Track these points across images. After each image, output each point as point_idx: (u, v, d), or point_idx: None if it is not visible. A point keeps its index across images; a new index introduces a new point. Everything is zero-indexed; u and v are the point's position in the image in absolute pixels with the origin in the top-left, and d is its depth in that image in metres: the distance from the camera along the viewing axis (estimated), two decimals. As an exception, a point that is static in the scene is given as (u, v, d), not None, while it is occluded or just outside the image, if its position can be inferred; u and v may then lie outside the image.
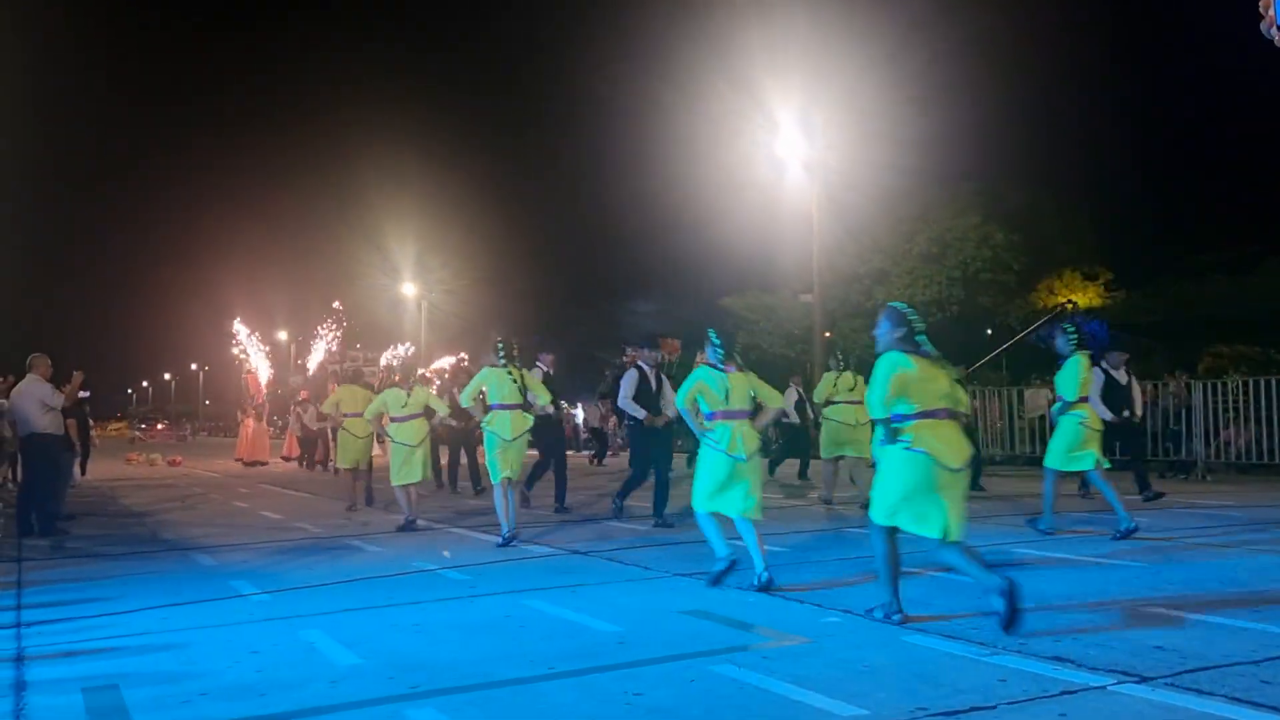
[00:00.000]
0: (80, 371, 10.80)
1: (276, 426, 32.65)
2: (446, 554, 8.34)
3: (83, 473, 17.83)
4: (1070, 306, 25.81)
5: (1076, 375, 8.46)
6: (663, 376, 10.08)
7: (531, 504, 11.56)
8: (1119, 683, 4.13)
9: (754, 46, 22.69)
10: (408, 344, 40.70)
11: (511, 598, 6.34)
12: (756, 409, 6.74)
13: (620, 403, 9.93)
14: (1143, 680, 4.14)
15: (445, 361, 40.06)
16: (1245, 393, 14.51)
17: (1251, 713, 3.73)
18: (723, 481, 6.44)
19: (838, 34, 22.77)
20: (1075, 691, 4.03)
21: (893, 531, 5.26)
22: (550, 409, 10.83)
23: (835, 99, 21.17)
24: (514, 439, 8.81)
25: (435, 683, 4.46)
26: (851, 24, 23.55)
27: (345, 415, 12.58)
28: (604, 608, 5.94)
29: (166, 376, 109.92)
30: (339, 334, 45.95)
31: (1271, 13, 4.18)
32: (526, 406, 9.11)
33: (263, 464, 24.23)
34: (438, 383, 17.03)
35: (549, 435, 11.74)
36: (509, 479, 8.79)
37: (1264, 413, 14.12)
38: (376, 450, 14.87)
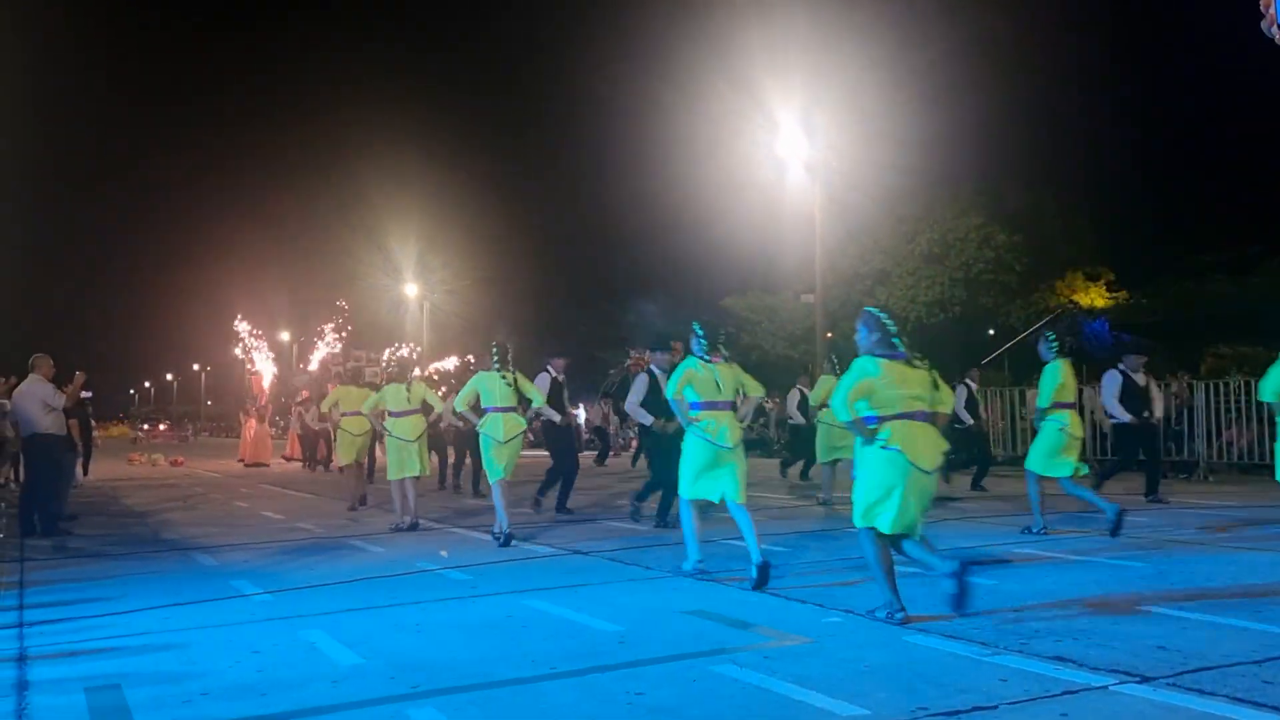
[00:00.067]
0: (82, 372, 10.82)
1: (278, 427, 32.66)
2: (444, 554, 8.35)
3: (85, 473, 17.87)
4: (1070, 307, 25.81)
5: (1051, 381, 8.59)
6: None
7: (542, 507, 11.46)
8: (1120, 683, 4.12)
9: (755, 46, 22.71)
10: (411, 345, 40.67)
11: (513, 598, 6.34)
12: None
13: (628, 407, 9.86)
14: (1144, 680, 4.14)
15: (450, 362, 40.09)
16: (1247, 393, 14.48)
17: (1253, 713, 3.72)
18: (706, 468, 6.71)
19: (839, 34, 22.80)
20: (1076, 691, 4.03)
21: (879, 532, 5.31)
22: (556, 415, 10.82)
23: (837, 99, 21.19)
24: (507, 441, 8.97)
25: (436, 682, 4.47)
26: (853, 24, 23.58)
27: (343, 414, 12.69)
28: (605, 608, 5.94)
29: (169, 377, 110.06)
30: (344, 335, 45.87)
31: (1272, 11, 4.18)
32: (521, 409, 9.27)
33: (264, 465, 24.26)
34: (443, 389, 17.00)
35: (561, 440, 11.72)
36: (505, 480, 8.96)
37: (1266, 413, 14.09)
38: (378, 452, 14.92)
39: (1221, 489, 12.79)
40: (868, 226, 26.55)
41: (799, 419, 15.36)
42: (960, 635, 4.95)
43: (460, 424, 12.49)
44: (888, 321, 5.41)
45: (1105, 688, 4.07)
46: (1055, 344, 8.76)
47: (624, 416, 25.26)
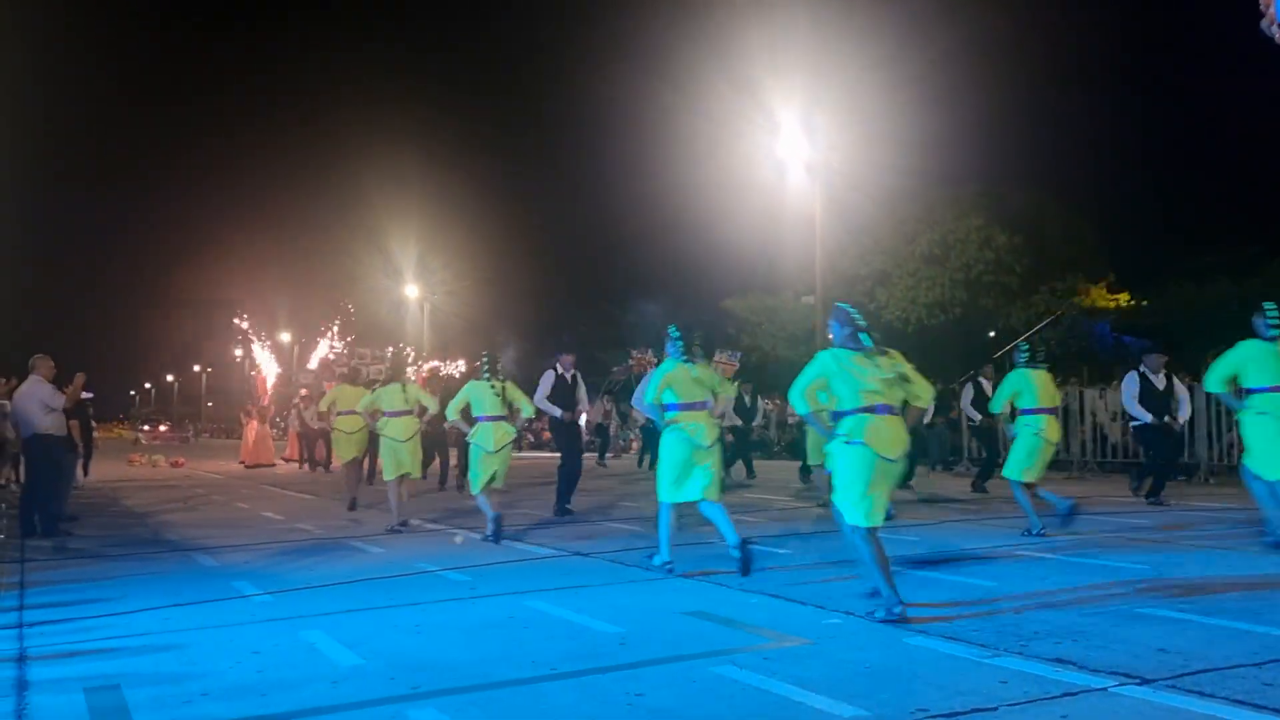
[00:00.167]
0: (82, 373, 10.82)
1: (279, 428, 32.66)
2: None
3: (85, 474, 17.84)
4: (1071, 308, 25.78)
5: (1008, 387, 8.87)
6: None
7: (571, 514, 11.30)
8: (1120, 684, 4.12)
9: (756, 47, 22.74)
10: (410, 349, 40.65)
11: (513, 599, 6.34)
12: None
13: (635, 401, 9.92)
14: (1144, 682, 4.14)
15: (456, 367, 40.02)
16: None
17: (1254, 715, 3.72)
18: (685, 468, 6.93)
19: (840, 35, 22.81)
20: (1076, 693, 4.03)
21: (871, 530, 5.36)
22: (556, 410, 10.84)
23: (838, 100, 21.17)
24: (496, 450, 9.15)
25: (436, 683, 4.47)
26: (854, 24, 23.60)
27: (339, 413, 12.74)
28: (605, 609, 5.94)
29: (169, 378, 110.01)
30: (350, 340, 45.78)
31: (1271, 10, 4.18)
32: (511, 418, 9.42)
33: (269, 465, 24.24)
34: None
35: (566, 437, 11.75)
36: (494, 487, 9.21)
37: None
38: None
39: (1222, 491, 12.77)
40: (868, 227, 26.53)
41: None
42: (960, 637, 4.95)
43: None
44: (856, 316, 5.55)
45: (1105, 689, 4.07)
46: (1026, 353, 9.02)
47: (625, 417, 25.32)
